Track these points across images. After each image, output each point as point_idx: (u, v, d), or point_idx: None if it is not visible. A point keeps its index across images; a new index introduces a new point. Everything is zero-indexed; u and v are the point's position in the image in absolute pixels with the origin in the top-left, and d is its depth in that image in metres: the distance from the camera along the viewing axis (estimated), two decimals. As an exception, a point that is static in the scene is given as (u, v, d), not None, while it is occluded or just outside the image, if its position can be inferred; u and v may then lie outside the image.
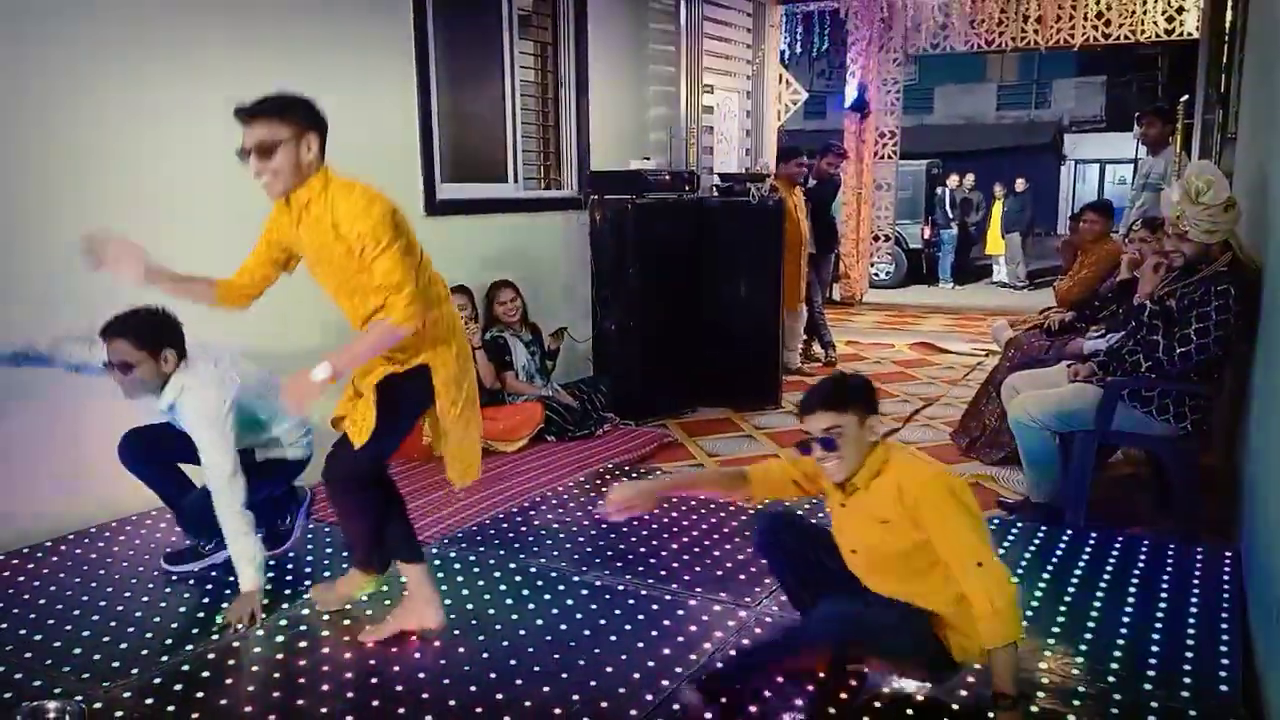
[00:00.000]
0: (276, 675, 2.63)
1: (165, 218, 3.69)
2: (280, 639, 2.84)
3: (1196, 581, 3.20)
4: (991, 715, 2.24)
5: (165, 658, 2.73)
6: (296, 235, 2.65)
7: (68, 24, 3.46)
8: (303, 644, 2.80)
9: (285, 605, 3.06)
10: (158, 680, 2.61)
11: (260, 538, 3.13)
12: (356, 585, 2.98)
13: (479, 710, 2.45)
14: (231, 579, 3.23)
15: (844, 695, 2.48)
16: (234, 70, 3.92)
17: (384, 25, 4.68)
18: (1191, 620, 2.93)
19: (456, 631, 2.86)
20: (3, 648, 2.78)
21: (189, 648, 2.79)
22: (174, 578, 3.27)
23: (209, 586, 3.22)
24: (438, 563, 3.29)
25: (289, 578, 3.28)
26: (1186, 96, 7.37)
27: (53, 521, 3.56)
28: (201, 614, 3.02)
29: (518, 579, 3.23)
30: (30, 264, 3.45)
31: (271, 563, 3.38)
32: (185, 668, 2.67)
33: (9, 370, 3.39)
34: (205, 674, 2.64)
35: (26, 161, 3.41)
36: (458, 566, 3.29)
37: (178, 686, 2.57)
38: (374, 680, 2.60)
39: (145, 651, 2.76)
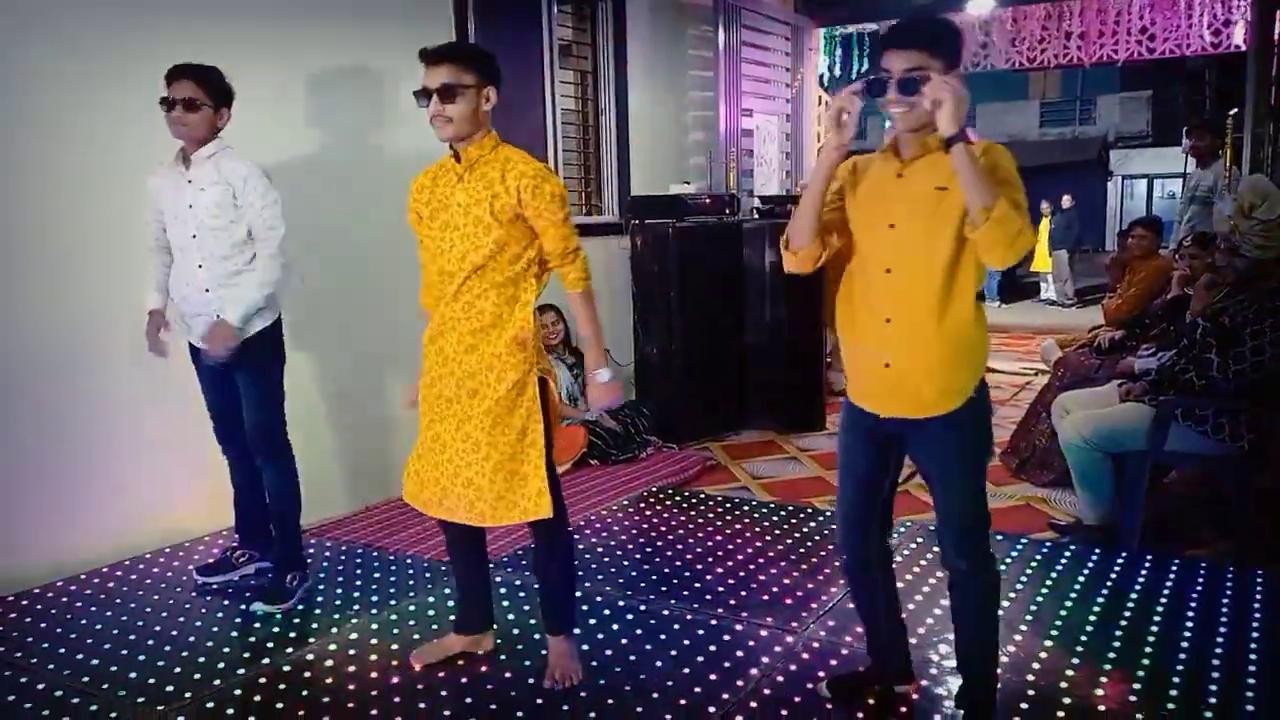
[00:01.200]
0: (326, 699, 2.65)
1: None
2: (329, 663, 2.87)
3: (1257, 606, 3.11)
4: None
5: (218, 681, 2.77)
6: (448, 196, 2.57)
7: (63, 26, 3.44)
8: (351, 668, 2.83)
9: (334, 630, 3.10)
10: (210, 705, 2.64)
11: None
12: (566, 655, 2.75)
13: (526, 735, 2.46)
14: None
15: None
16: (276, 102, 4.01)
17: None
18: (1253, 645, 2.85)
19: (503, 657, 2.87)
20: (61, 672, 2.84)
21: (241, 671, 2.83)
22: (225, 602, 3.32)
23: (262, 612, 3.27)
24: (500, 584, 3.29)
25: (338, 601, 3.31)
26: (1235, 110, 7.24)
27: (110, 547, 3.64)
28: (253, 638, 3.06)
29: (563, 604, 3.24)
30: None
31: (307, 590, 3.43)
32: (238, 692, 2.71)
33: (63, 399, 3.50)
34: (258, 698, 2.68)
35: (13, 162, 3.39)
36: (504, 591, 3.31)
37: (230, 710, 2.61)
38: (422, 705, 2.61)
39: (198, 676, 2.80)
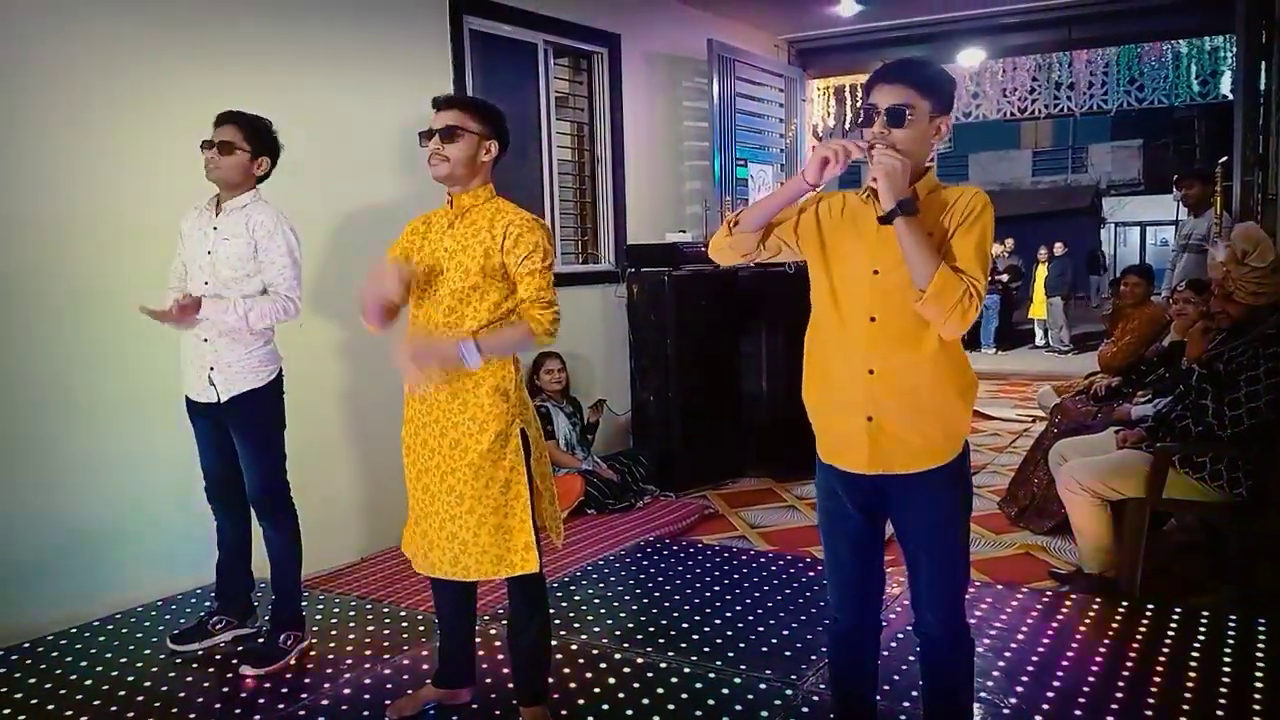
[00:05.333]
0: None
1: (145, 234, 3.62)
2: (322, 717, 2.82)
3: (1260, 654, 3.08)
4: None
5: (208, 739, 2.73)
6: (438, 242, 2.58)
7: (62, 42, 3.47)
8: (344, 724, 2.79)
9: (326, 685, 3.05)
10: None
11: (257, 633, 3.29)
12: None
13: (521, 793, 2.41)
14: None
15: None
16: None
17: (426, 107, 4.83)
18: (1257, 695, 2.82)
19: (497, 712, 2.83)
20: (49, 729, 2.80)
21: (231, 728, 2.79)
22: (217, 656, 3.28)
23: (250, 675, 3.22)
24: (478, 640, 3.25)
25: (331, 655, 3.27)
26: (1225, 158, 7.33)
27: (101, 600, 3.60)
28: (244, 694, 3.02)
29: (558, 656, 3.19)
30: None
31: (299, 648, 3.37)
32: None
33: (54, 449, 3.48)
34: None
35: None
36: (497, 644, 3.27)
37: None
38: (415, 762, 2.57)
39: (188, 732, 2.77)
